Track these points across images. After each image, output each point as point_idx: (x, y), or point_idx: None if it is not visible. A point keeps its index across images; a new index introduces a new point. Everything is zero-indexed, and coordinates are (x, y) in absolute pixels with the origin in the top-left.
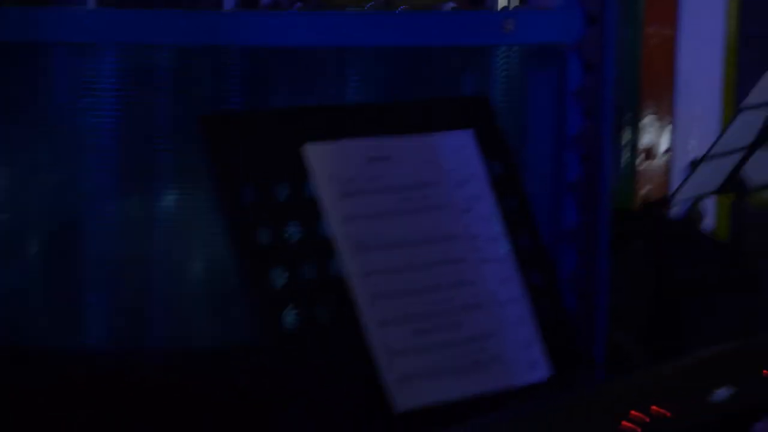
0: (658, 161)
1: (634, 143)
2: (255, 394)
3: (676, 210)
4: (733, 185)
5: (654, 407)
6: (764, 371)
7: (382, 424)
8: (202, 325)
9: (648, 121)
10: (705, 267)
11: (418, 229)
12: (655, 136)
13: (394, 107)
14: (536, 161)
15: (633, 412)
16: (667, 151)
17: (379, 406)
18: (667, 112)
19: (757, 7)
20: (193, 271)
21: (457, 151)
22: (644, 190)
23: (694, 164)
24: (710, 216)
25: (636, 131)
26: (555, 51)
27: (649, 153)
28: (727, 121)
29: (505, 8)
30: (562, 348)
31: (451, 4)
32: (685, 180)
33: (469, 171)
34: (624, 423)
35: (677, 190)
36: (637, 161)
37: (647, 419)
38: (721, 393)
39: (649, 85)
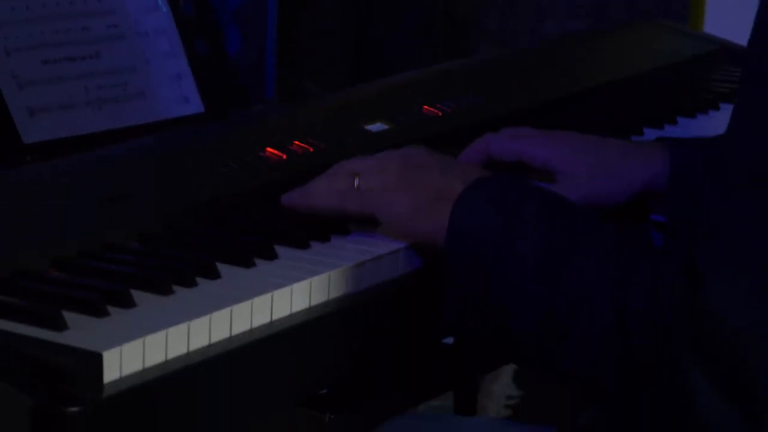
0: None
1: None
2: None
3: None
4: None
5: (296, 142)
6: (425, 107)
7: (12, 155)
8: None
9: None
10: (409, 22)
11: None
12: None
13: None
14: None
15: (269, 149)
16: None
17: (8, 137)
18: None
19: None
20: None
21: None
22: None
23: None
24: None
25: None
26: None
27: None
28: None
29: None
30: (220, 83)
31: None
32: None
33: None
34: (269, 150)
35: None
36: None
37: (290, 152)
38: (376, 127)
39: None
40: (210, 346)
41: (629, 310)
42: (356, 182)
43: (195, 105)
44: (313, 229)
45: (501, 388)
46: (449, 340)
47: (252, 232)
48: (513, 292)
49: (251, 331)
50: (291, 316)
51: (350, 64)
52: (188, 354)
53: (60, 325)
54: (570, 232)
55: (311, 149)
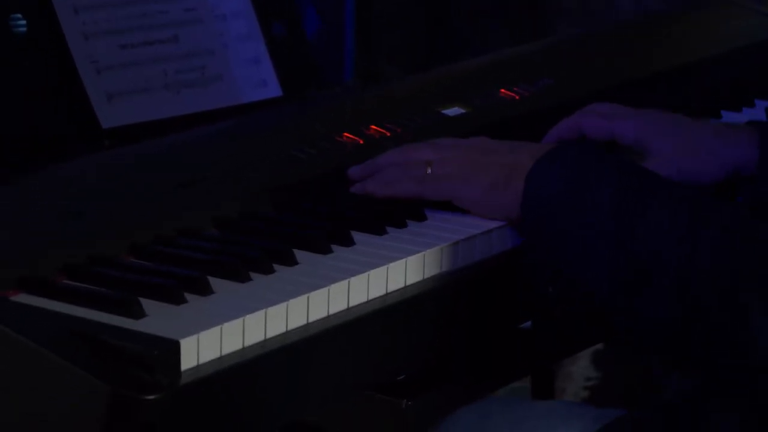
0: None
1: None
2: None
3: None
4: None
5: (373, 126)
6: (501, 90)
7: (90, 140)
8: None
9: None
10: (485, 1)
11: None
12: None
13: None
14: None
15: (346, 134)
16: None
17: (87, 122)
18: None
19: None
20: None
21: None
22: None
23: None
24: None
25: None
26: None
27: None
28: None
29: None
30: (298, 66)
31: None
32: None
33: None
34: (345, 135)
35: None
36: None
37: (366, 137)
38: (453, 111)
39: None
40: (287, 333)
41: (697, 264)
42: (429, 170)
43: (273, 88)
44: (390, 216)
45: (579, 370)
46: (526, 324)
47: (329, 218)
48: (586, 242)
49: (328, 317)
50: (367, 303)
51: (427, 45)
52: (265, 341)
53: (137, 313)
54: (640, 184)
55: (388, 134)
